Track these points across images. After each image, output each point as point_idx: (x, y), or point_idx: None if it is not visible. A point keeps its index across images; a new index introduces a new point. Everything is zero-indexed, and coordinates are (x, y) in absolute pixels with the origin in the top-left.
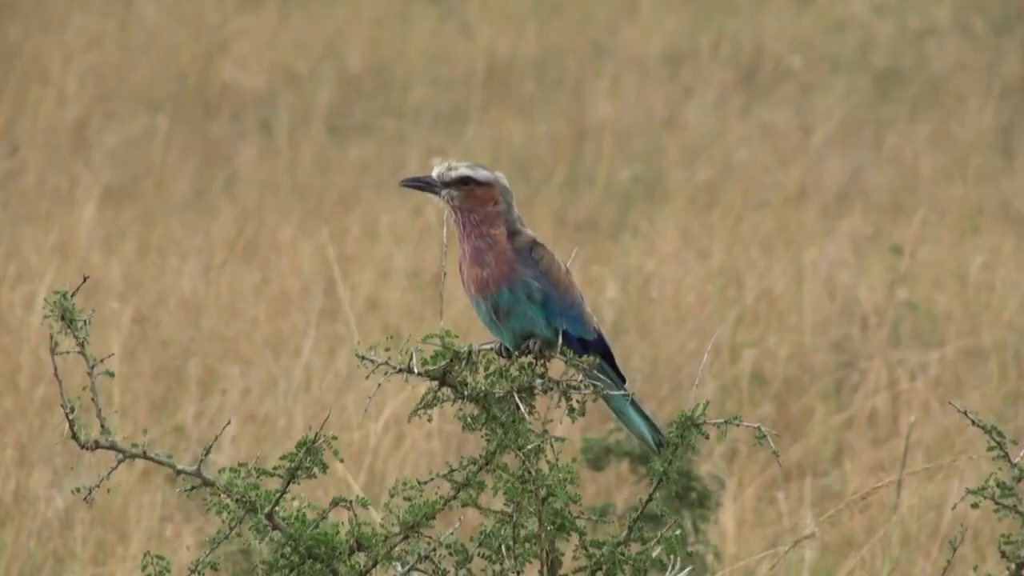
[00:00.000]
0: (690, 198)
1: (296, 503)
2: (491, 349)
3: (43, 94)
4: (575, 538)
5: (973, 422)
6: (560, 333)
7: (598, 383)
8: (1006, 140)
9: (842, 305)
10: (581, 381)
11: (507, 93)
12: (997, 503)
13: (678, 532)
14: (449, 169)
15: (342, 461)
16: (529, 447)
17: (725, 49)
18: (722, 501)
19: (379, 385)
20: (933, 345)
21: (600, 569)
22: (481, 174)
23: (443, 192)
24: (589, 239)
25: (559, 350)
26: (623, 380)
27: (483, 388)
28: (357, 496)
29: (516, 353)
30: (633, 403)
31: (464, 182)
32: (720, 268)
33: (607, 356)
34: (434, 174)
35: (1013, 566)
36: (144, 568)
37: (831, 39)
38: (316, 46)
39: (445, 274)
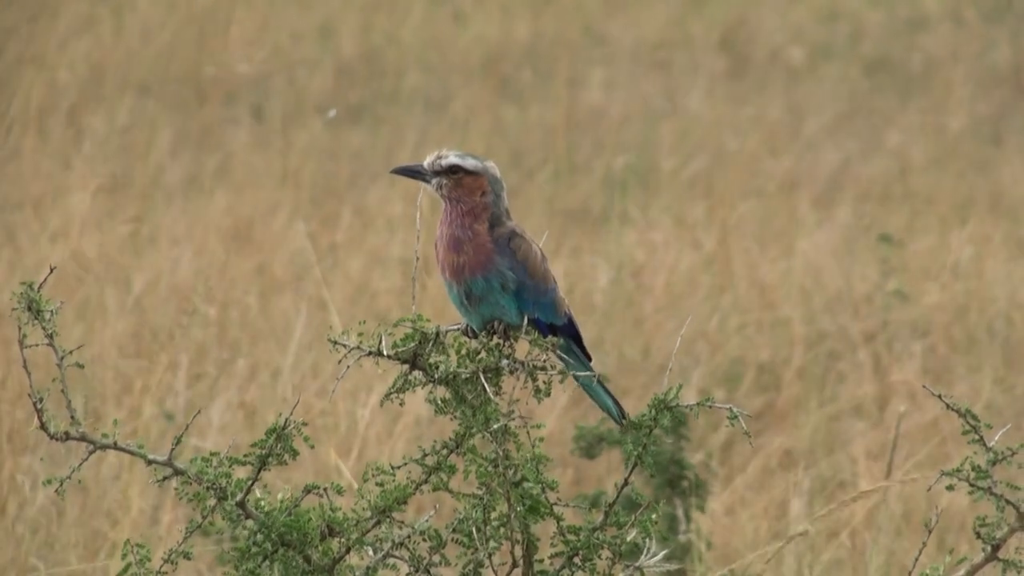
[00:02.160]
0: (682, 187)
1: (280, 495)
2: (458, 330)
3: (36, 79)
4: (553, 524)
5: (948, 406)
6: (528, 319)
7: (568, 360)
8: (996, 130)
9: (832, 294)
10: (547, 361)
11: (500, 81)
12: (972, 485)
13: (653, 516)
14: (439, 158)
15: (312, 447)
16: (495, 427)
17: (717, 38)
18: (713, 490)
19: (347, 368)
20: (922, 334)
21: (577, 554)
22: (470, 163)
23: (433, 180)
24: (581, 227)
25: (524, 330)
26: (589, 359)
27: (451, 370)
28: (332, 483)
29: (482, 334)
30: (599, 381)
31: (453, 171)
32: (711, 257)
33: (576, 338)
34: (425, 163)
35: (989, 548)
36: (124, 557)
37: (823, 28)
38: (309, 32)
39: (418, 258)
